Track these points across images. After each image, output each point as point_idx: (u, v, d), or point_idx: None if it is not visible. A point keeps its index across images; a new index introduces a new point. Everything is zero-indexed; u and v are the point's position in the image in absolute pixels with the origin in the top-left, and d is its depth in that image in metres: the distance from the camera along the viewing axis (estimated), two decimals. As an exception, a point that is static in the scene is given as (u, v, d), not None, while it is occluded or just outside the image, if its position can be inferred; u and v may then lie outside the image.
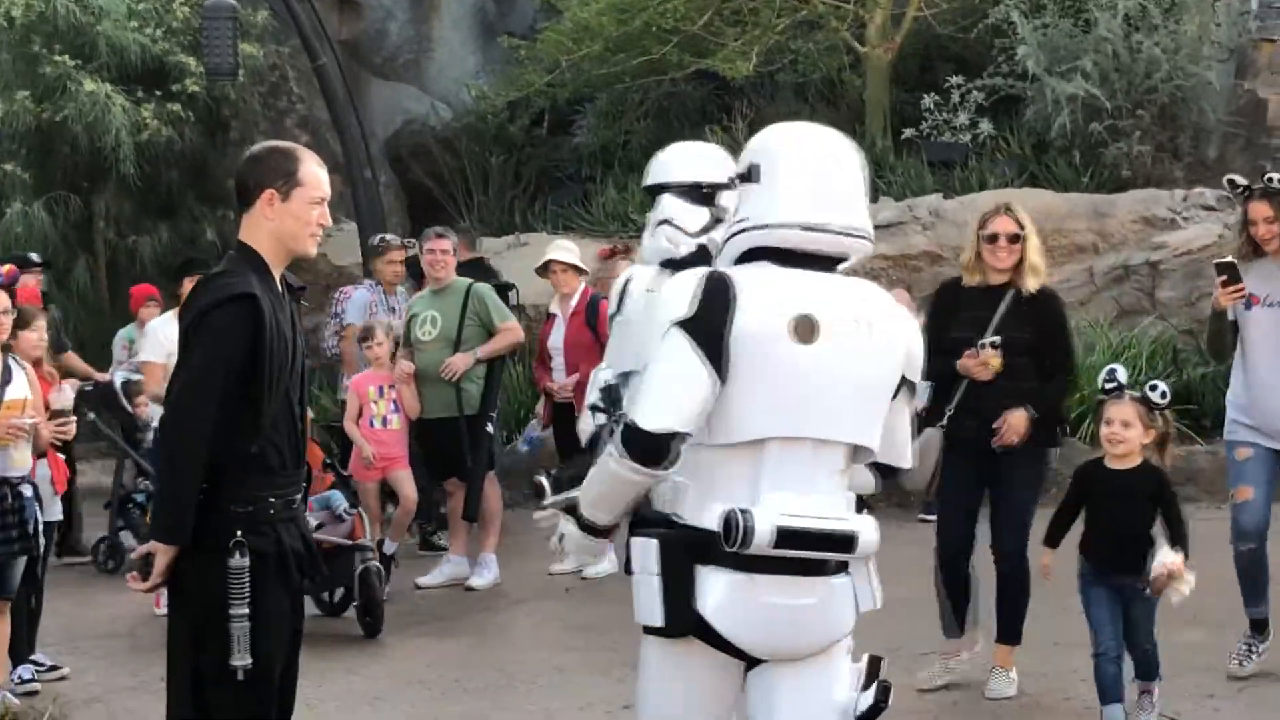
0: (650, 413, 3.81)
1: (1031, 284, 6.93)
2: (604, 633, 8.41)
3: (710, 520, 3.79)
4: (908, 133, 15.14)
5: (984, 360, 6.81)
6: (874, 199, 13.83)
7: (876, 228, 12.70)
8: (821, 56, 15.75)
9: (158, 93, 14.99)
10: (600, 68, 15.92)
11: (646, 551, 3.88)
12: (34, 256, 12.21)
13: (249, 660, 4.46)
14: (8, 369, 7.27)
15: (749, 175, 4.10)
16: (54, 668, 8.17)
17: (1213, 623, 7.60)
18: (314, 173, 4.63)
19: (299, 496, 4.70)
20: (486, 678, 7.75)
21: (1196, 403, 11.59)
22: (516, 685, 7.64)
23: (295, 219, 4.60)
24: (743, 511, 3.74)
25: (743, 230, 4.01)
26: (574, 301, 10.33)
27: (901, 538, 8.01)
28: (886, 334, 3.96)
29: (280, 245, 4.63)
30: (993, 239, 6.92)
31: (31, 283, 10.59)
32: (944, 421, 6.89)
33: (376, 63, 18.07)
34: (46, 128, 14.66)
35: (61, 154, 14.98)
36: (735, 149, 14.64)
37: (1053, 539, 6.41)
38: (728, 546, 3.73)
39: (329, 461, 9.23)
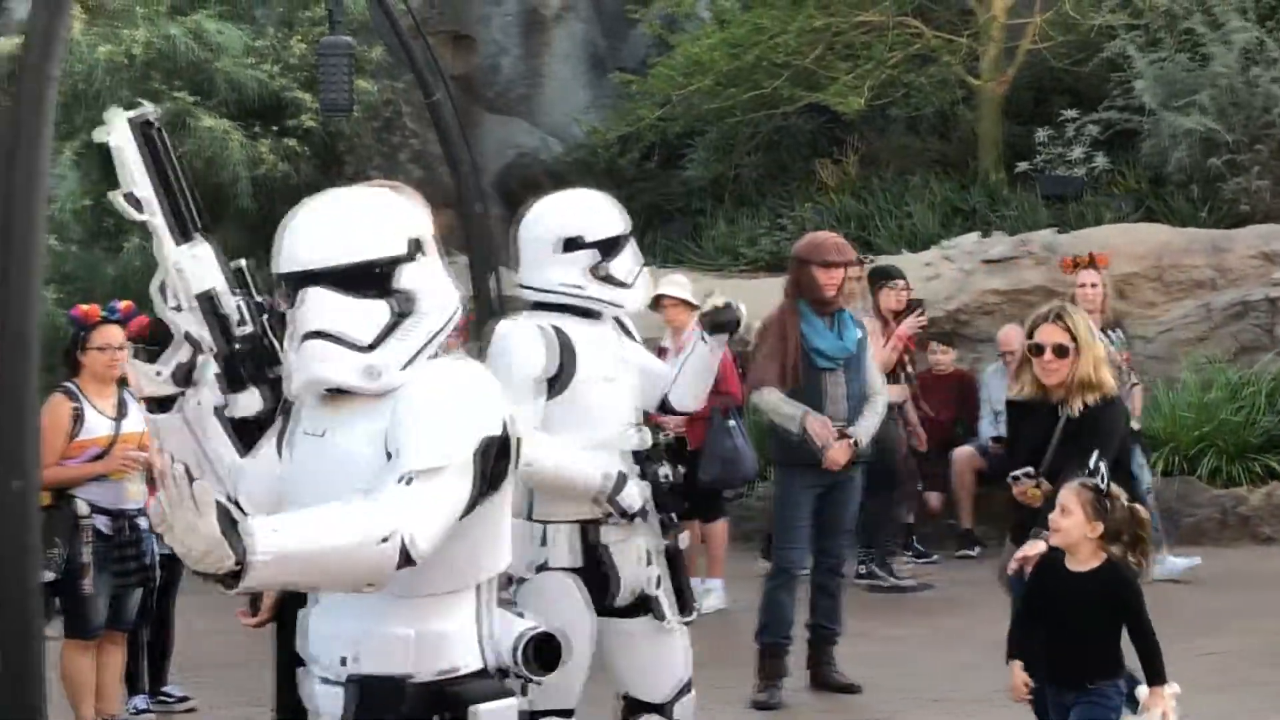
0: None
1: (1079, 405, 6.02)
2: (707, 668, 8.35)
3: None
4: (1021, 166, 15.00)
5: (1023, 491, 6.16)
6: (986, 233, 13.79)
7: (989, 262, 12.66)
8: (934, 90, 15.65)
9: (274, 128, 15.16)
10: (711, 102, 15.91)
11: None
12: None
13: (354, 694, 4.48)
14: (123, 403, 7.37)
15: None
16: (184, 698, 8.27)
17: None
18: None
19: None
20: (590, 711, 7.71)
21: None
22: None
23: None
24: None
25: None
26: (685, 335, 10.30)
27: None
28: None
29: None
30: (1038, 350, 6.07)
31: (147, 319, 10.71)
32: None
33: (489, 97, 18.19)
34: (165, 163, 14.86)
35: (180, 188, 15.16)
36: (847, 183, 14.59)
37: (1013, 651, 5.58)
38: None
39: None
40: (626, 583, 5.32)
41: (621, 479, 5.22)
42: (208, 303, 3.63)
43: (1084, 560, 5.37)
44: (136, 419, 7.39)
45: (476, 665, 3.36)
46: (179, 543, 2.93)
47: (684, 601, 5.40)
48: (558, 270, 5.33)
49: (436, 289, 3.45)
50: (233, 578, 2.95)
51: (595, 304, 5.32)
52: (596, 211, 5.47)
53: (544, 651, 3.37)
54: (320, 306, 3.34)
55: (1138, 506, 5.39)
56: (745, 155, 16.66)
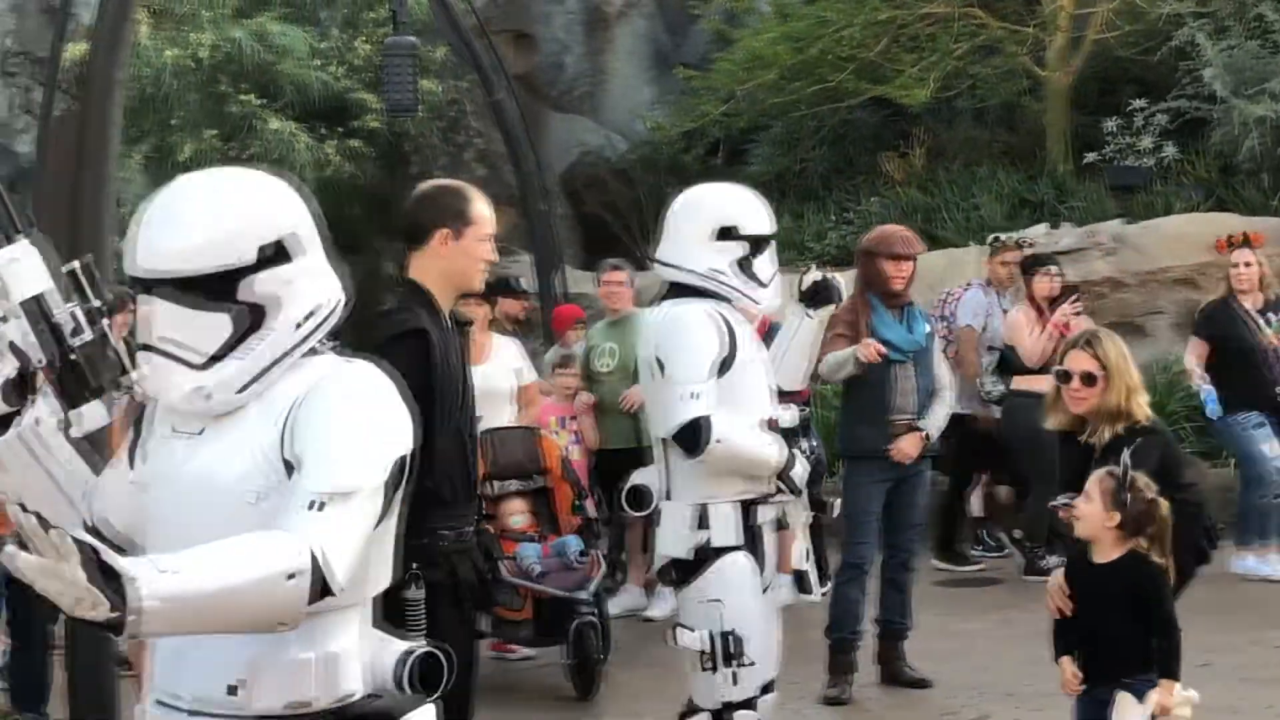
0: None
1: (1108, 434, 5.55)
2: (784, 664, 8.33)
3: None
4: (1089, 157, 14.88)
5: (1067, 519, 5.80)
6: (1055, 225, 13.68)
7: (1058, 253, 12.50)
8: (1000, 81, 15.54)
9: (340, 129, 15.24)
10: (775, 96, 15.87)
11: None
12: None
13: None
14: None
15: None
16: None
17: None
18: (483, 211, 4.71)
19: (471, 529, 4.74)
20: (665, 709, 7.70)
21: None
22: (693, 717, 7.59)
23: (466, 257, 4.67)
24: None
25: None
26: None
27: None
28: None
29: (450, 282, 4.70)
30: (1065, 378, 5.63)
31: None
32: None
33: (552, 95, 18.21)
34: (233, 165, 14.95)
35: (248, 191, 15.26)
36: (913, 175, 14.52)
37: (1059, 648, 5.41)
38: None
39: (578, 503, 8.70)
40: (770, 563, 5.45)
41: (791, 456, 5.35)
42: (35, 310, 3.13)
43: (1106, 552, 5.26)
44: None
45: (363, 689, 3.06)
46: (45, 590, 2.58)
47: (820, 574, 5.50)
48: (707, 255, 5.49)
49: (298, 296, 3.08)
50: (117, 626, 2.61)
51: (734, 293, 5.46)
52: (754, 208, 5.62)
53: (428, 671, 3.11)
54: (155, 317, 3.00)
55: (1161, 500, 5.21)
56: (810, 149, 16.60)
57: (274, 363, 3.01)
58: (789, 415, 5.47)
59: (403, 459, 3.01)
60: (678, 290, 5.53)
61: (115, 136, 6.20)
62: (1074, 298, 10.29)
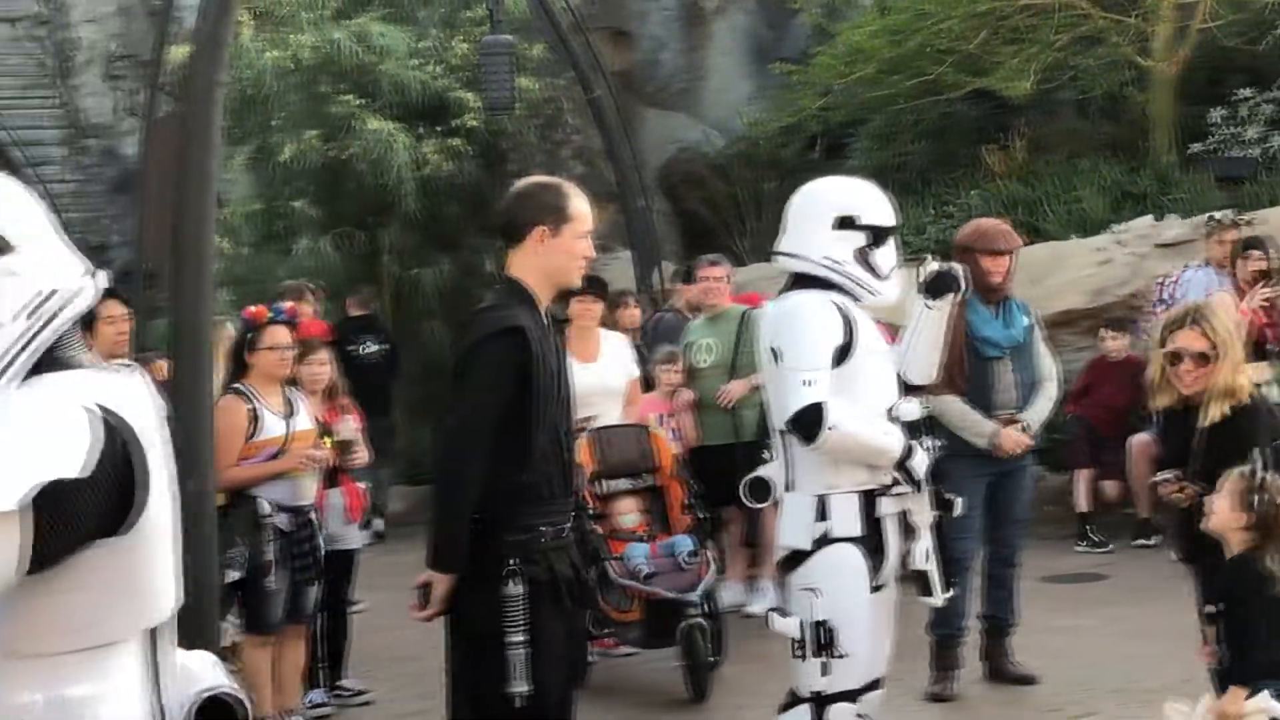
0: None
1: (1217, 413, 5.63)
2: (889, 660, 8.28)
3: None
4: (1194, 148, 14.67)
5: (1169, 493, 5.93)
6: (1159, 217, 13.50)
7: (1163, 246, 12.26)
8: (1103, 72, 15.35)
9: (438, 128, 15.31)
10: (874, 90, 15.79)
11: None
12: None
13: (526, 687, 4.50)
14: (290, 401, 7.48)
15: None
16: (360, 692, 8.40)
17: None
18: (580, 208, 4.70)
19: (570, 525, 4.73)
20: (766, 705, 7.67)
21: None
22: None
23: (564, 253, 4.67)
24: None
25: None
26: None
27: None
28: None
29: (548, 279, 4.70)
30: (1176, 359, 5.66)
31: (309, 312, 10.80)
32: None
33: (649, 92, 18.22)
34: (333, 165, 15.07)
35: (348, 190, 15.39)
36: (1014, 168, 14.32)
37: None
38: None
39: (690, 502, 8.66)
40: (892, 558, 5.37)
41: (910, 447, 5.29)
42: None
43: (1230, 550, 5.24)
44: (305, 417, 7.51)
45: None
46: None
47: (945, 575, 5.41)
48: (826, 244, 5.44)
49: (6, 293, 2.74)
50: None
51: (851, 283, 5.41)
52: (875, 199, 5.58)
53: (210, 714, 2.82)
54: None
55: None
56: (910, 143, 16.50)
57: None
58: (910, 408, 5.40)
59: (64, 483, 2.53)
60: (799, 282, 5.49)
61: (217, 138, 6.25)
62: (1268, 282, 10.00)
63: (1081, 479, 11.51)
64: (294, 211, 15.35)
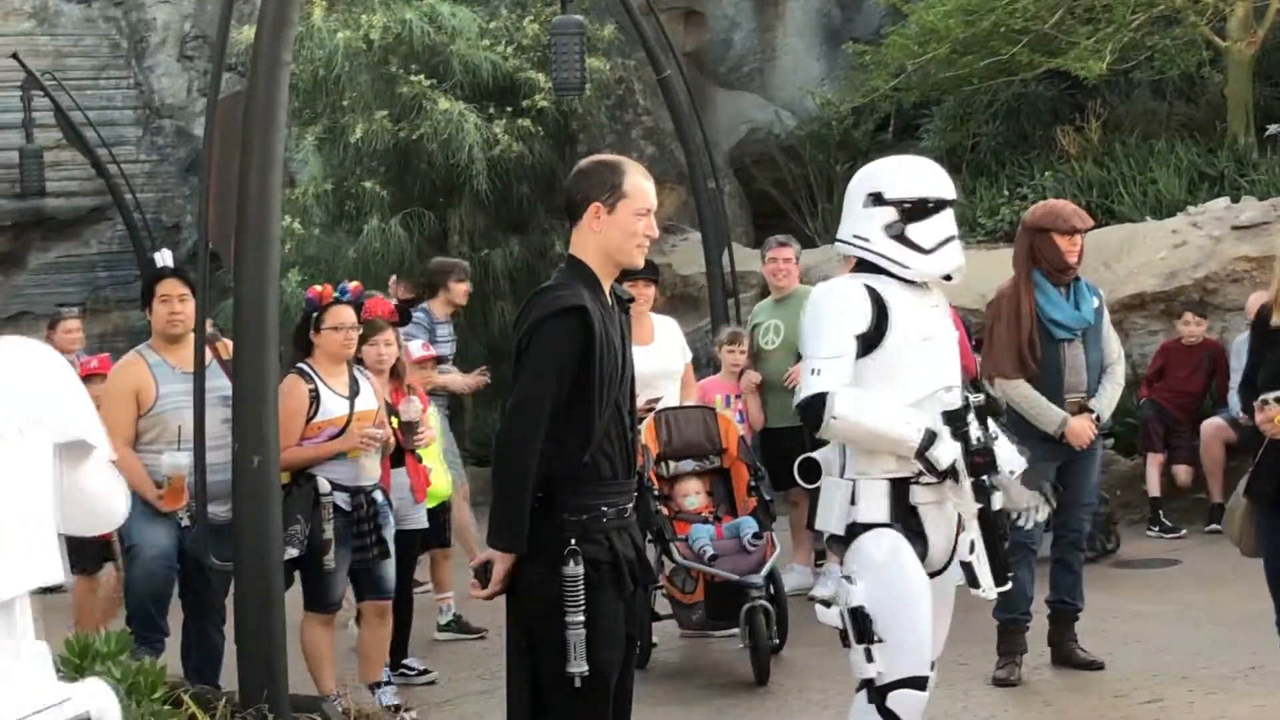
0: None
1: None
2: (954, 645, 8.23)
3: None
4: (1272, 129, 14.48)
5: (1269, 417, 6.05)
6: (1236, 199, 13.34)
7: (1239, 228, 12.12)
8: (1179, 52, 15.15)
9: (508, 109, 15.32)
10: (947, 70, 15.65)
11: None
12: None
13: (585, 667, 4.50)
14: (354, 381, 7.50)
15: None
16: (424, 671, 8.44)
17: None
18: (639, 184, 4.66)
19: (631, 505, 4.72)
20: (832, 688, 7.65)
21: None
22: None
23: (621, 231, 4.64)
24: None
25: None
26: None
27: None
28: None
29: (608, 257, 4.68)
30: None
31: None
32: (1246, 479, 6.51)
33: (721, 72, 18.16)
34: (403, 146, 15.12)
35: (418, 171, 15.43)
36: (1089, 149, 14.17)
37: None
38: None
39: (753, 484, 8.62)
40: (937, 546, 5.26)
41: (930, 435, 5.13)
42: None
43: None
44: (369, 397, 7.53)
45: None
46: None
47: (998, 568, 5.29)
48: (859, 223, 5.35)
49: None
50: None
51: (885, 260, 5.26)
52: (905, 173, 5.41)
53: None
54: None
55: None
56: (983, 124, 16.37)
57: None
58: (948, 398, 5.26)
59: None
60: (859, 265, 5.41)
61: (282, 118, 6.24)
62: None
63: (1153, 464, 11.40)
64: (364, 192, 15.40)
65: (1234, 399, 11.31)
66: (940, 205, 5.31)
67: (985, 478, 5.18)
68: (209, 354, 7.06)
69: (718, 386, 9.85)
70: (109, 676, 5.39)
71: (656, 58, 13.43)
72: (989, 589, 5.30)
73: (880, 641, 5.09)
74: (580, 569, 4.50)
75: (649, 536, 4.98)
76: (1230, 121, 14.72)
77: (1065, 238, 7.69)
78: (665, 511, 8.39)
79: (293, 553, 7.01)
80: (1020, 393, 7.68)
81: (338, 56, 15.01)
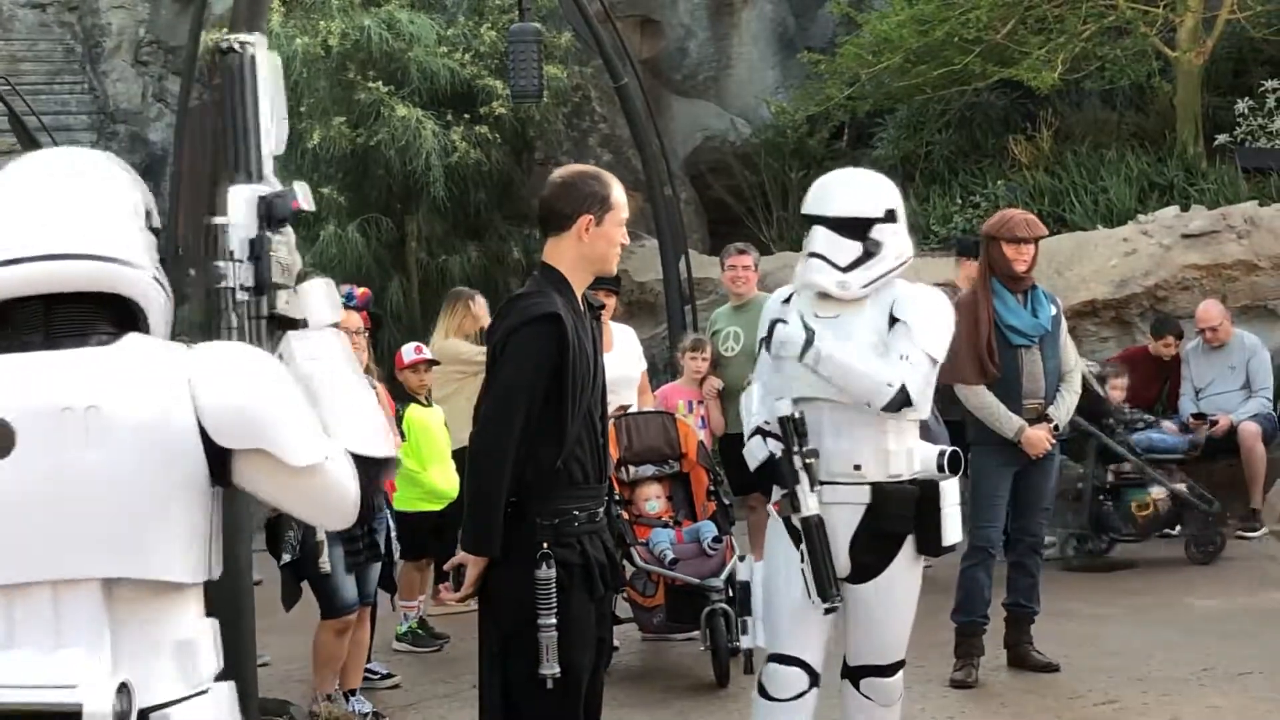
0: None
1: None
2: (912, 648, 8.33)
3: None
4: (1221, 139, 14.68)
5: None
6: (1185, 207, 13.52)
7: (1188, 236, 12.27)
8: (1130, 63, 15.35)
9: (466, 116, 15.37)
10: (900, 79, 15.81)
11: None
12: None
13: (557, 669, 4.57)
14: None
15: None
16: (387, 675, 8.46)
17: None
18: (620, 197, 4.81)
19: (602, 509, 4.80)
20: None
21: None
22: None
23: (606, 241, 4.76)
24: None
25: None
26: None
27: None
28: (129, 412, 2.78)
29: (587, 265, 4.78)
30: None
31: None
32: None
33: (676, 80, 18.25)
34: (361, 152, 15.14)
35: (375, 177, 15.45)
36: (1040, 158, 14.25)
37: None
38: None
39: (712, 489, 8.70)
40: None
41: (755, 433, 5.67)
42: None
43: None
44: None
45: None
46: None
47: (821, 580, 5.39)
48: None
49: None
50: None
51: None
52: (815, 188, 5.73)
53: None
54: None
55: None
56: (936, 133, 16.52)
57: None
58: (782, 405, 5.47)
59: None
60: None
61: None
62: None
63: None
64: (321, 198, 15.40)
65: (1185, 405, 11.49)
66: (813, 220, 5.68)
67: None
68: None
69: (679, 393, 9.93)
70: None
71: (614, 65, 13.51)
72: (816, 600, 5.39)
73: (747, 617, 5.45)
74: (553, 572, 4.57)
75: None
76: (1180, 131, 14.91)
77: (1013, 246, 7.81)
78: (626, 516, 8.46)
79: (286, 558, 7.05)
80: (980, 399, 7.80)
81: (296, 62, 15.00)
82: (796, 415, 5.41)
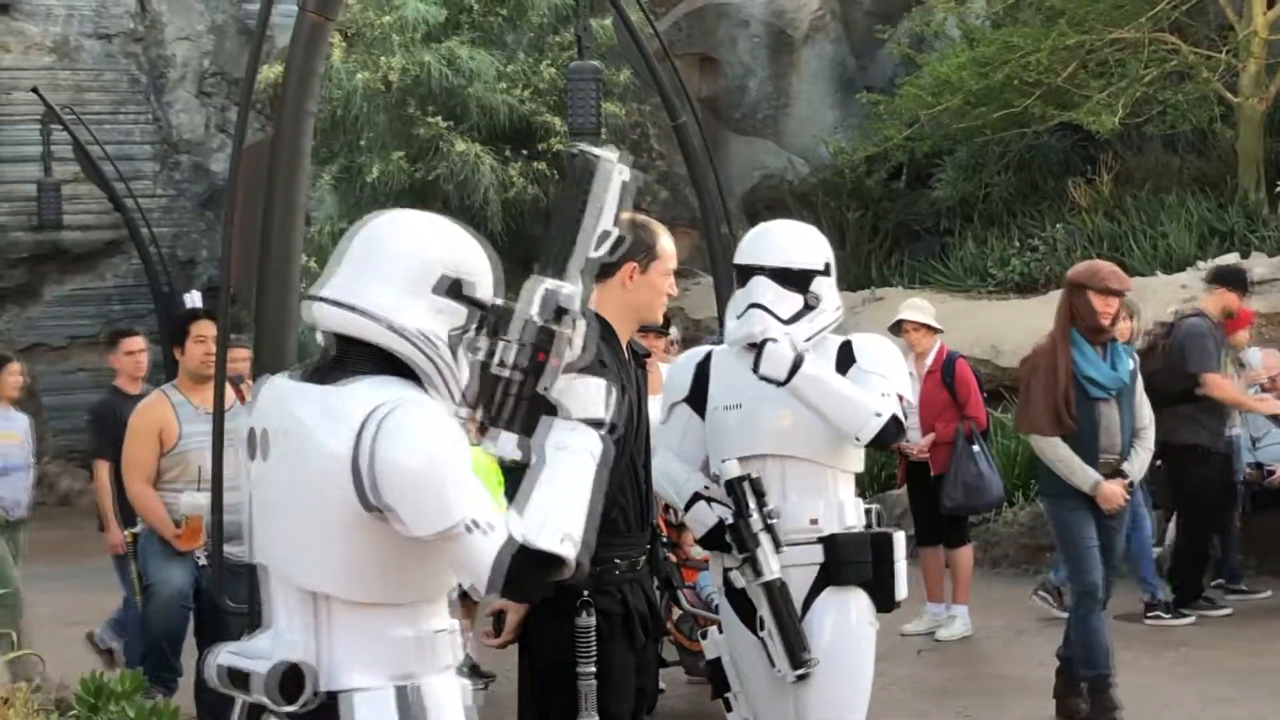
0: None
1: None
2: (955, 696, 8.26)
3: None
4: (1284, 185, 14.58)
5: None
6: (1245, 254, 13.41)
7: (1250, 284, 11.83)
8: (1191, 108, 15.27)
9: (524, 152, 15.43)
10: (960, 121, 15.77)
11: None
12: None
13: (595, 718, 4.54)
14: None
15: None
16: None
17: None
18: (667, 246, 4.79)
19: (643, 558, 4.78)
20: None
21: None
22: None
23: (651, 289, 4.75)
24: None
25: None
26: (929, 360, 10.21)
27: None
28: (315, 445, 3.13)
29: (632, 313, 4.78)
30: None
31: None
32: None
33: (735, 118, 18.27)
34: (419, 186, 15.22)
35: (433, 211, 15.48)
36: (1100, 202, 14.17)
37: None
38: None
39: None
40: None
41: (694, 499, 5.47)
42: None
43: None
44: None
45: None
46: None
47: (790, 647, 5.28)
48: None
49: None
50: None
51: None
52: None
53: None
54: None
55: None
56: (995, 175, 16.47)
57: None
58: (729, 466, 5.34)
59: None
60: None
61: (306, 164, 6.34)
62: None
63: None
64: (379, 231, 15.46)
65: (1243, 455, 11.35)
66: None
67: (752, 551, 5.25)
68: (232, 396, 7.12)
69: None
70: (123, 716, 5.44)
71: (672, 103, 13.52)
72: (785, 671, 5.23)
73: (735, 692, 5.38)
74: (592, 620, 4.55)
75: (656, 583, 5.01)
76: (1241, 177, 14.82)
77: (1101, 298, 7.61)
78: (673, 559, 8.42)
79: None
80: (1056, 452, 7.65)
81: (356, 97, 15.12)
82: (753, 475, 5.32)
